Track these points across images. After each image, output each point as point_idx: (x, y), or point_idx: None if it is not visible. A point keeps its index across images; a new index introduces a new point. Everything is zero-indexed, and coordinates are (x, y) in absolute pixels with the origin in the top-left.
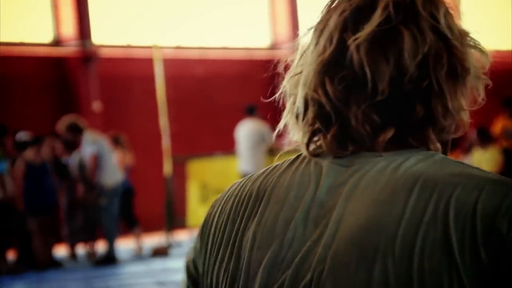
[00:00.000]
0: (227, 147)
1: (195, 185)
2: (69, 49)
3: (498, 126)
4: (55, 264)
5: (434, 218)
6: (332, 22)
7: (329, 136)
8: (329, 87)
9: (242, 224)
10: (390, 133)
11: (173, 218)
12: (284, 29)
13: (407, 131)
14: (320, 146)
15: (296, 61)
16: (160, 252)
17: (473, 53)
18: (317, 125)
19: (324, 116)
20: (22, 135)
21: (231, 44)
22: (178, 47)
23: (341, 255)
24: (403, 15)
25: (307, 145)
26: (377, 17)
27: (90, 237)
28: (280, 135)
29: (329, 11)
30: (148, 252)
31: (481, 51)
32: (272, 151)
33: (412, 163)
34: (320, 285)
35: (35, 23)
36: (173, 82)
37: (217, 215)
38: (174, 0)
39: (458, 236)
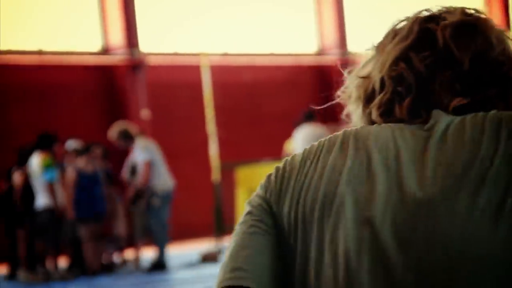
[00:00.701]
0: (275, 153)
1: (243, 192)
2: (117, 57)
3: None
4: (106, 270)
5: None
6: (408, 23)
7: (405, 103)
8: (415, 60)
9: (336, 165)
10: (464, 101)
11: (222, 224)
12: (331, 35)
13: (479, 105)
14: (393, 116)
15: (360, 66)
16: (210, 258)
17: None
18: (391, 99)
19: (404, 87)
20: (72, 143)
21: (278, 50)
22: (225, 54)
23: (447, 189)
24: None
25: (382, 115)
26: (458, 13)
27: (137, 244)
28: None
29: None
30: (198, 259)
31: None
32: None
33: (484, 113)
34: (433, 218)
35: (83, 32)
36: (221, 89)
37: (304, 160)
38: (221, 7)
39: None
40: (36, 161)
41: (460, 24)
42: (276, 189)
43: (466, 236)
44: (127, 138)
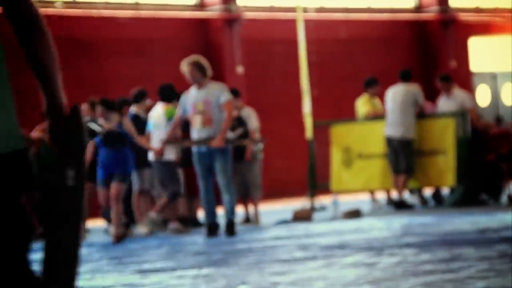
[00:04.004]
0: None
1: (338, 150)
2: (213, 11)
3: None
4: (198, 225)
5: None
6: None
7: None
8: None
9: None
10: None
11: (316, 183)
12: None
13: None
14: None
15: None
16: (303, 216)
17: None
18: None
19: None
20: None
21: (375, 5)
22: (321, 9)
23: None
24: None
25: None
26: None
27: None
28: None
29: None
30: (291, 216)
31: None
32: (421, 115)
33: None
34: None
35: None
36: (315, 44)
37: None
38: None
39: None
40: (159, 112)
41: None
42: None
43: None
44: (204, 72)
